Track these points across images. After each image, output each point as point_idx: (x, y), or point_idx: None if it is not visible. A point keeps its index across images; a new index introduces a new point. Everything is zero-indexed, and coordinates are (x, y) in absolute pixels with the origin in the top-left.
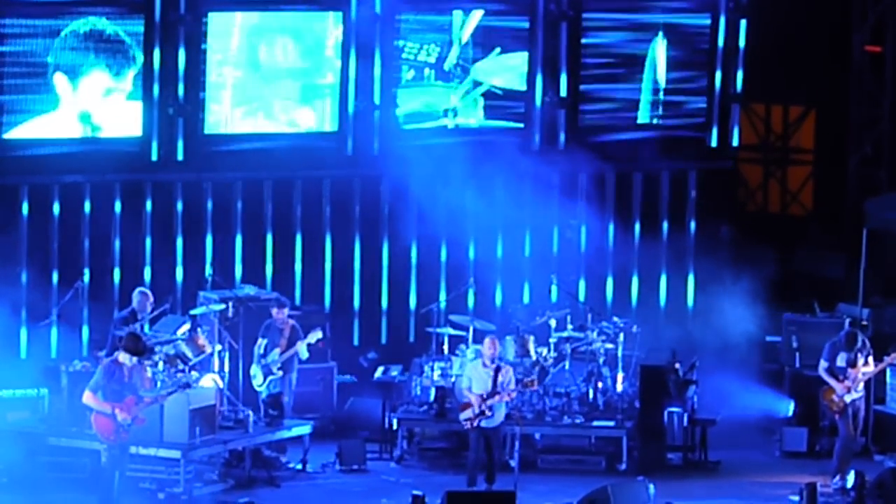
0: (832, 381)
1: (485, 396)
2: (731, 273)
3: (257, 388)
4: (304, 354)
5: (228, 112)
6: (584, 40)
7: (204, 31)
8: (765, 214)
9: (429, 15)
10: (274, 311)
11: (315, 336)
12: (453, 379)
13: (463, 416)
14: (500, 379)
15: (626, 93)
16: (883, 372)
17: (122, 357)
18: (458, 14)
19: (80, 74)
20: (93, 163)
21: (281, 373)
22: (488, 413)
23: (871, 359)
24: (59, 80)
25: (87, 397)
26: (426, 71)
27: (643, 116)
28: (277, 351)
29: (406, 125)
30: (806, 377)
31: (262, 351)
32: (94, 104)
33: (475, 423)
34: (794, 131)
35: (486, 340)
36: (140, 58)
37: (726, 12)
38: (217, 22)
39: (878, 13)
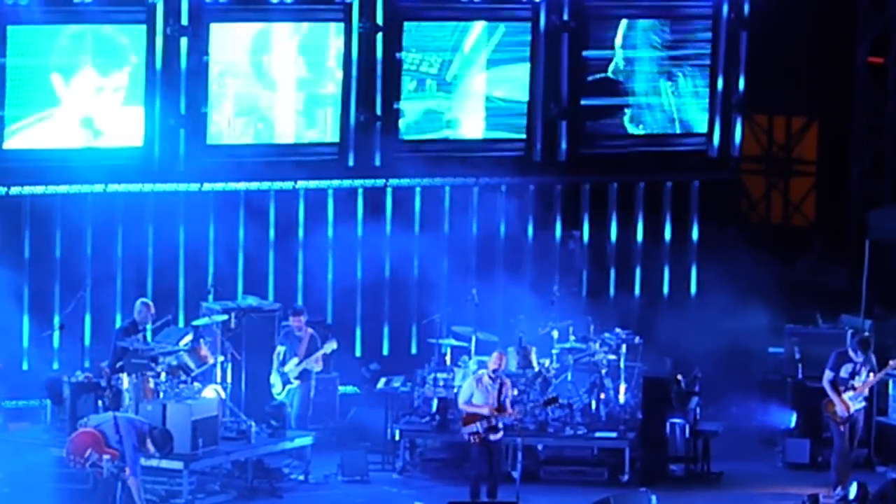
0: (833, 396)
1: (496, 410)
2: (734, 284)
3: (276, 396)
4: (317, 367)
5: (230, 122)
6: (585, 51)
7: (206, 42)
8: (767, 225)
9: (431, 26)
10: (291, 319)
11: (330, 347)
12: (456, 390)
13: (468, 429)
14: (504, 392)
15: (628, 103)
16: (885, 384)
17: (149, 446)
18: (460, 25)
19: (75, 72)
20: (94, 173)
21: (298, 382)
22: (500, 426)
23: (872, 374)
24: (56, 79)
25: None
26: (428, 82)
27: (645, 127)
28: (295, 360)
29: (408, 136)
30: (809, 388)
31: (281, 359)
32: (94, 106)
33: (483, 437)
34: (796, 142)
35: (494, 354)
36: (138, 58)
37: (728, 23)
38: (219, 33)
39: (881, 25)
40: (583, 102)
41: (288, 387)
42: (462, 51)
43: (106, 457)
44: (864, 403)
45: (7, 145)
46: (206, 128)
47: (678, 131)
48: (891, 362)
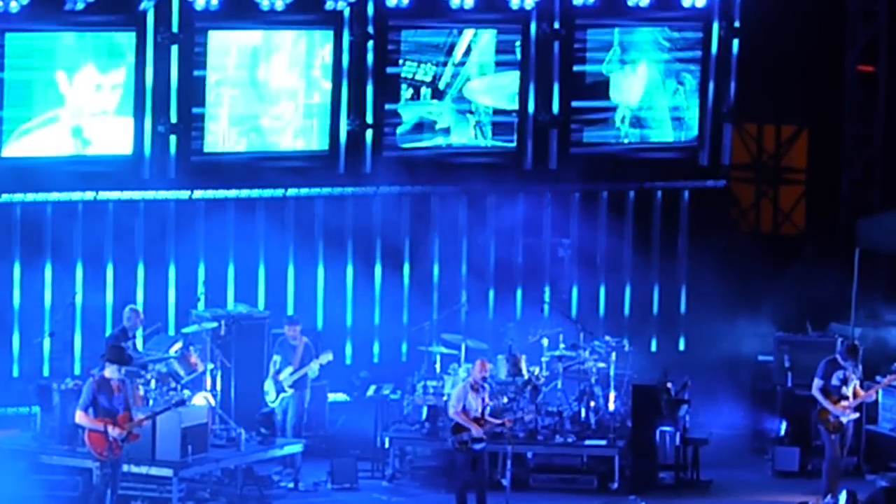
0: (826, 403)
1: (482, 420)
2: (724, 292)
3: (270, 404)
4: (314, 373)
5: (225, 131)
6: (575, 59)
7: (196, 49)
8: (757, 234)
9: (422, 34)
10: (286, 328)
11: (326, 357)
12: (445, 398)
13: (458, 437)
14: (484, 402)
15: (619, 111)
16: (876, 392)
17: (109, 371)
18: (451, 33)
19: (76, 69)
20: (85, 181)
21: (292, 390)
22: (483, 437)
23: (861, 383)
24: (60, 77)
25: (80, 417)
26: (422, 90)
27: (635, 135)
28: (290, 369)
29: (399, 144)
30: (798, 396)
31: (277, 367)
32: (93, 107)
33: (470, 446)
34: (786, 151)
35: (477, 363)
36: (132, 59)
37: (718, 32)
38: (211, 40)
39: (870, 33)
40: (573, 108)
41: (282, 395)
42: (453, 59)
43: (119, 430)
44: (857, 414)
45: (5, 153)
46: (198, 135)
47: (668, 140)
48: (888, 377)
